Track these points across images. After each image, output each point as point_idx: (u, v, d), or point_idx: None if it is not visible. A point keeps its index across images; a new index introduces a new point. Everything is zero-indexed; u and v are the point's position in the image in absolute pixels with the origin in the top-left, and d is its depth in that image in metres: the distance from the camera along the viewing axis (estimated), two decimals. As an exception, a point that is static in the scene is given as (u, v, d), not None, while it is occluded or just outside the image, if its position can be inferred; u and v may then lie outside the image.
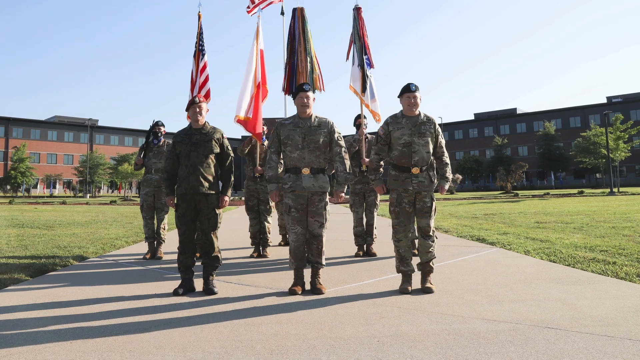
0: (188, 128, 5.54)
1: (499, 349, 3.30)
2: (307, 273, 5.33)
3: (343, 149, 5.34)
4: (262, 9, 9.07)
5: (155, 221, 8.03)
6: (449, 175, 5.38)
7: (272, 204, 8.08)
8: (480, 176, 78.40)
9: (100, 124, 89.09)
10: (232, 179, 5.54)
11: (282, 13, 9.40)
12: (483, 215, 15.85)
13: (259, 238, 7.97)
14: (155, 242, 7.90)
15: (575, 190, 46.78)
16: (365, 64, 8.09)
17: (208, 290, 5.15)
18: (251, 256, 7.81)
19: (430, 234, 5.18)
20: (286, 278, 5.80)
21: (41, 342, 3.60)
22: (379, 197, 7.92)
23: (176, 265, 5.41)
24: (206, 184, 5.30)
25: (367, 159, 7.51)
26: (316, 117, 5.35)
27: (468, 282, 5.43)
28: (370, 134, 8.11)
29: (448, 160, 5.39)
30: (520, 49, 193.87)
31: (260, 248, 7.97)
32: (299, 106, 5.31)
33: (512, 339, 3.49)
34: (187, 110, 5.55)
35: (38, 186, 72.54)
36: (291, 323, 3.98)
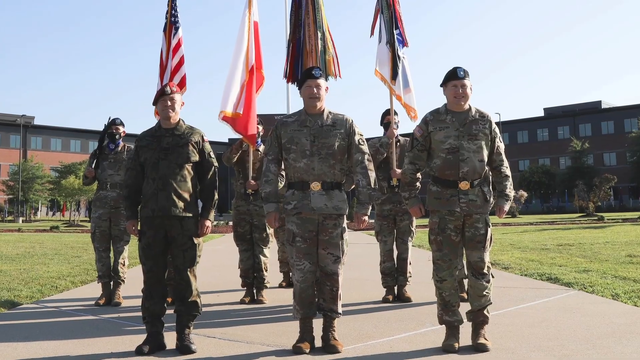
0: (156, 128, 5.58)
1: None
2: (317, 324, 5.32)
3: (366, 157, 5.36)
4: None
5: (111, 254, 8.06)
6: (510, 192, 5.38)
7: (271, 230, 8.10)
8: (553, 193, 78.00)
9: (36, 122, 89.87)
10: (216, 197, 5.57)
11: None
12: (556, 246, 15.76)
13: (252, 277, 7.97)
14: (112, 283, 7.93)
15: (682, 213, 46.43)
16: (396, 41, 8.12)
17: (183, 347, 5.16)
18: (242, 301, 7.82)
19: (485, 271, 5.17)
20: (289, 331, 5.80)
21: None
22: (415, 222, 7.91)
23: (140, 313, 5.42)
24: (181, 204, 5.32)
25: (398, 170, 7.52)
26: (330, 113, 5.38)
27: (536, 337, 5.41)
28: (403, 136, 8.12)
29: (509, 172, 5.40)
30: (606, 21, 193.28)
31: (254, 290, 7.97)
32: (307, 98, 5.35)
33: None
34: (154, 104, 5.59)
35: (-46, 207, 73.08)
36: (296, 393, 3.98)
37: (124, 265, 8.03)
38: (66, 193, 63.16)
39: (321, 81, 5.36)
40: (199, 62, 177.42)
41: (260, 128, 8.39)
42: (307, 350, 5.07)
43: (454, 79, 5.23)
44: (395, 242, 7.91)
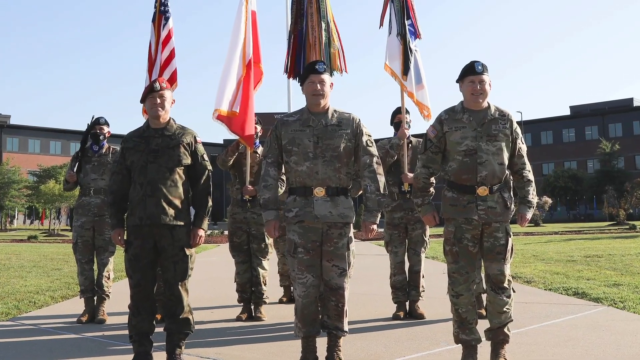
0: (144, 128, 5.59)
1: None
2: (321, 343, 5.32)
3: (375, 160, 5.36)
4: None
5: (95, 266, 8.06)
6: (533, 198, 5.37)
7: (270, 241, 8.10)
8: (580, 199, 77.92)
9: (13, 121, 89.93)
10: (210, 203, 5.58)
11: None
12: (583, 257, 15.75)
13: (249, 292, 7.97)
14: (96, 298, 7.93)
15: None
16: (407, 32, 8.13)
17: (174, 369, 5.17)
18: (238, 318, 7.82)
19: (505, 285, 5.17)
20: (290, 351, 5.81)
21: None
22: (429, 231, 7.91)
23: (127, 332, 5.42)
24: (171, 212, 5.32)
25: (410, 174, 7.52)
26: (335, 111, 5.39)
27: (561, 357, 5.41)
28: (415, 136, 8.12)
29: (531, 176, 5.40)
30: (638, 10, 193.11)
31: (252, 306, 7.97)
32: (310, 95, 5.36)
33: None
34: (142, 101, 5.61)
35: None
36: (298, 419, 3.98)
37: (108, 278, 8.01)
38: (45, 199, 62.95)
39: (325, 76, 5.37)
40: (191, 56, 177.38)
41: (259, 128, 8.38)
42: (310, 373, 5.07)
43: (471, 74, 5.22)
44: (406, 253, 7.89)
